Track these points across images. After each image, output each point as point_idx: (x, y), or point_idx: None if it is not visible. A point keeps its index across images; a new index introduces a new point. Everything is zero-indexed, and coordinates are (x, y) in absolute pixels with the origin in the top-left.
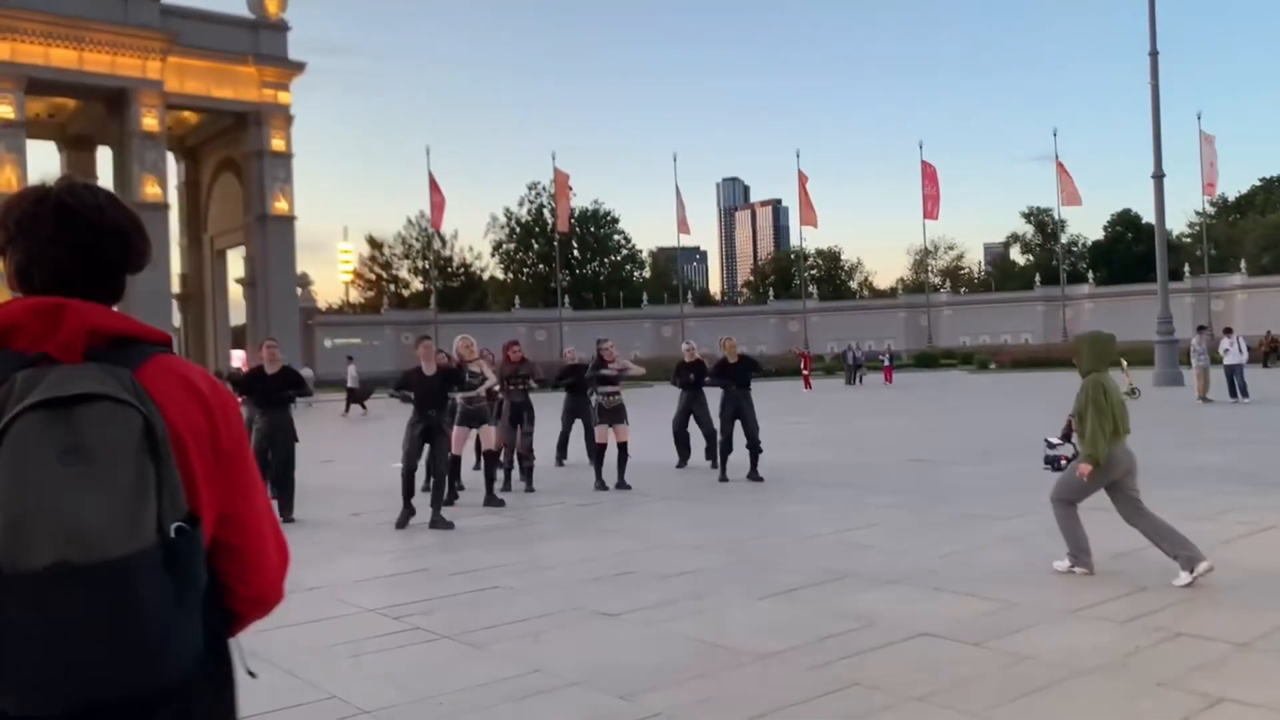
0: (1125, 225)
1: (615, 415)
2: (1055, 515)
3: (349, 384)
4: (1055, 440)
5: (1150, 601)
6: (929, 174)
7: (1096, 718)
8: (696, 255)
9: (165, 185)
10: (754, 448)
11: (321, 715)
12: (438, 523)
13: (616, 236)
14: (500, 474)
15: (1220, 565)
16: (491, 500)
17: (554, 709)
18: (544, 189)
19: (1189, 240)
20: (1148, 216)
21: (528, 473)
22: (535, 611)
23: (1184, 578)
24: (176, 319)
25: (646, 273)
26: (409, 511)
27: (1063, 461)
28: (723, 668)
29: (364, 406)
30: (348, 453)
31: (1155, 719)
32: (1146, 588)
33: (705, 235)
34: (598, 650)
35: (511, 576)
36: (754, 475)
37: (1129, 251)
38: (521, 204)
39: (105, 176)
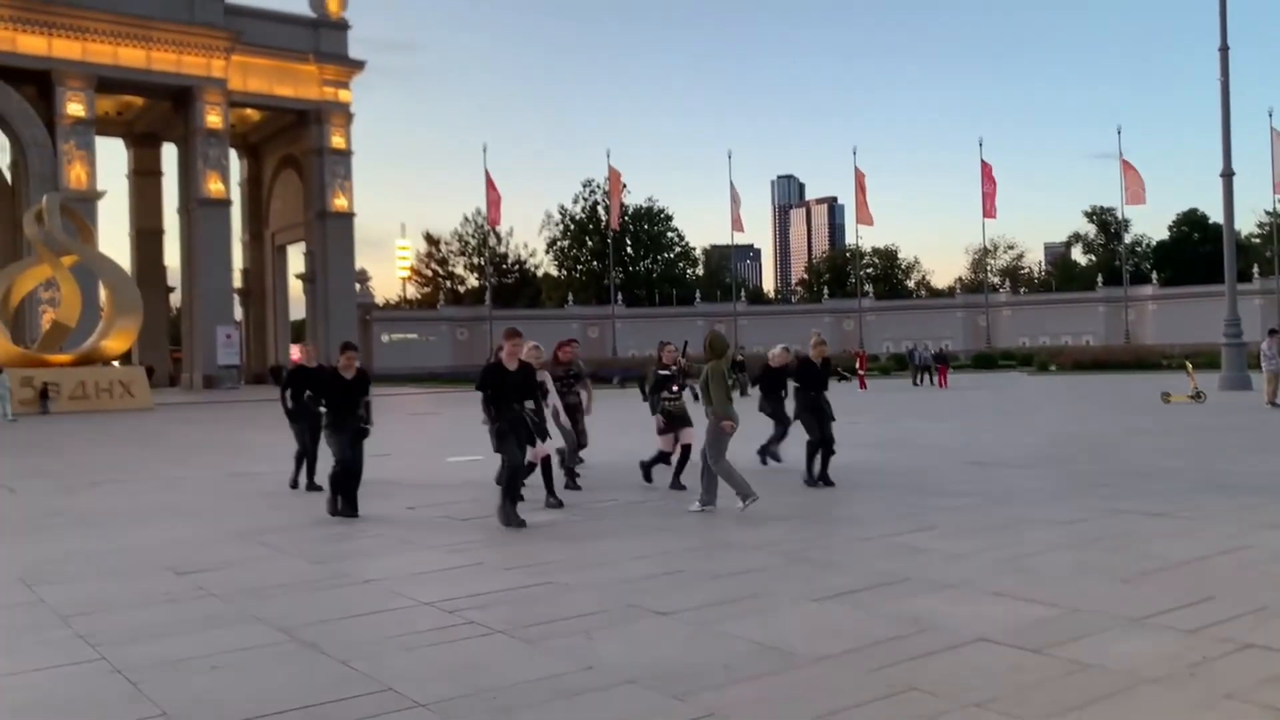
0: (1191, 225)
1: (681, 420)
2: (719, 472)
3: None
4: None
5: (1217, 611)
6: (987, 172)
7: None
8: (750, 253)
9: (228, 182)
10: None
11: (377, 707)
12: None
13: (670, 234)
14: (561, 473)
15: None
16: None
17: (607, 706)
18: (598, 186)
19: (1258, 240)
20: (1215, 216)
21: (568, 473)
22: (588, 608)
23: (740, 505)
24: (238, 313)
25: (700, 270)
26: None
27: (674, 388)
28: (777, 669)
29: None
30: (402, 446)
31: None
32: (1214, 597)
33: (759, 233)
34: (651, 648)
35: (565, 572)
36: (825, 479)
37: (1195, 252)
38: (576, 201)
39: (170, 173)
